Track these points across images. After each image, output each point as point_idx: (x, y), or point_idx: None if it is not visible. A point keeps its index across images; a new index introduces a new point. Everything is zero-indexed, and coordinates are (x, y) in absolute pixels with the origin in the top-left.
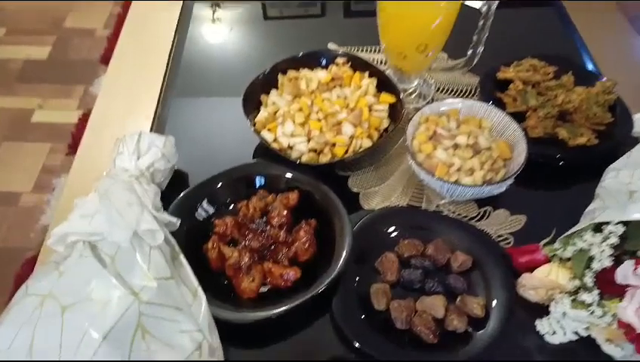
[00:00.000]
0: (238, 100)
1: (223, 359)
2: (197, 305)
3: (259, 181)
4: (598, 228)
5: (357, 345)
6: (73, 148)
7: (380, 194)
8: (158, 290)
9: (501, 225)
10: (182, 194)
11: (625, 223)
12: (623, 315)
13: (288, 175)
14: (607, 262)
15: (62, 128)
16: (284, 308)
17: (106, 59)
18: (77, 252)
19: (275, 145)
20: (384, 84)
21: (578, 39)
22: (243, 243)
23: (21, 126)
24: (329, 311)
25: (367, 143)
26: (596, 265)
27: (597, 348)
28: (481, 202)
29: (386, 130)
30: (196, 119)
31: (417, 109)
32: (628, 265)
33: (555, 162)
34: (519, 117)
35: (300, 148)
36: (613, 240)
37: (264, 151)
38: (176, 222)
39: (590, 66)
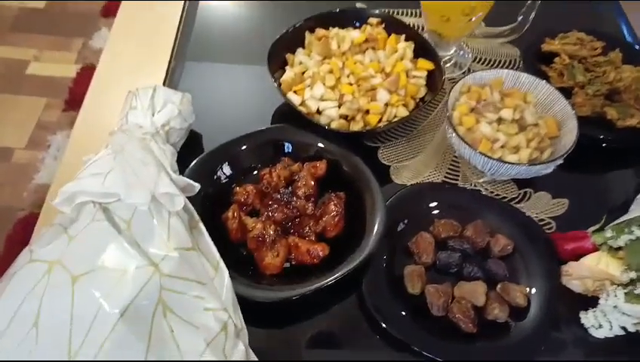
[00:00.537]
0: (257, 62)
1: (247, 341)
2: (219, 279)
3: (286, 147)
4: None
5: (389, 329)
6: (71, 104)
7: (412, 169)
8: (179, 262)
9: (542, 208)
10: (202, 156)
11: None
12: None
13: (318, 143)
14: None
15: (59, 82)
16: (311, 287)
17: (106, 12)
18: (88, 215)
19: (302, 109)
20: (422, 50)
21: (623, 17)
22: (266, 214)
23: (15, 78)
24: (357, 292)
25: (402, 112)
26: None
27: None
28: (520, 183)
29: (422, 99)
30: (211, 79)
31: (452, 80)
32: None
33: (602, 143)
34: (564, 93)
35: (330, 114)
36: None
37: (284, 116)
38: (195, 186)
39: (638, 46)
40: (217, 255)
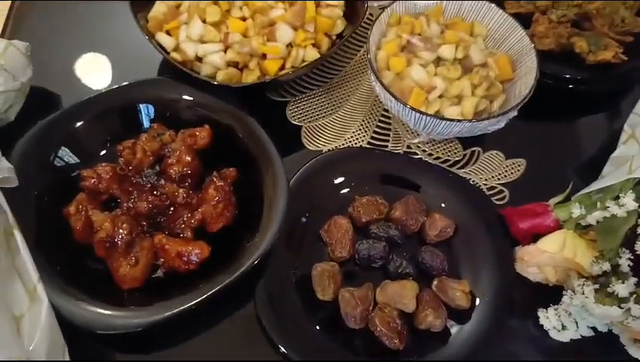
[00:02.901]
0: None
1: None
2: (34, 314)
3: (152, 111)
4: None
5: (289, 353)
6: None
7: (331, 130)
8: None
9: (493, 172)
10: (31, 132)
11: None
12: None
13: (194, 100)
14: None
15: None
16: (168, 313)
17: None
18: None
19: (176, 56)
20: None
21: None
22: (125, 206)
23: None
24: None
25: (312, 54)
26: None
27: (618, 347)
28: (467, 141)
29: (340, 35)
30: (67, 22)
31: (382, 9)
32: None
33: (570, 85)
34: (522, 21)
35: (214, 61)
36: None
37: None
38: (10, 175)
39: None
40: (35, 276)
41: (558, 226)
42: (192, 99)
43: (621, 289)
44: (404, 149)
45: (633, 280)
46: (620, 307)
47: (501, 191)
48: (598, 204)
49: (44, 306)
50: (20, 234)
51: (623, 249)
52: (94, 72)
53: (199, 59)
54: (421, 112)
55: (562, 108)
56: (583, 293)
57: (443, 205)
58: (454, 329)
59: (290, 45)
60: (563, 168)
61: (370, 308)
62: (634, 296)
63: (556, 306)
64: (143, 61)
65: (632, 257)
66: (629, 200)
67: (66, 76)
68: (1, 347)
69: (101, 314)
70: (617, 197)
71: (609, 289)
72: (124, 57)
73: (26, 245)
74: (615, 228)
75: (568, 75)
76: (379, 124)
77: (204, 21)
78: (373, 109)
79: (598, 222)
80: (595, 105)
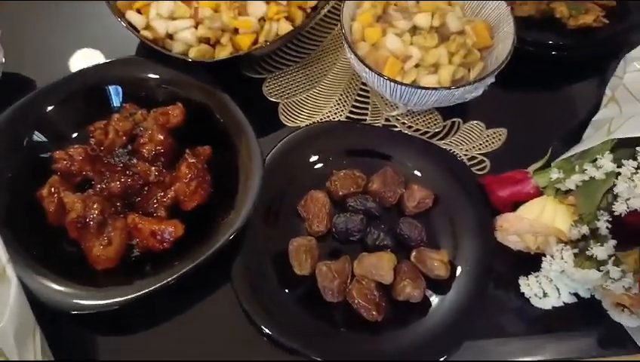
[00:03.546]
0: None
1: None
2: (3, 292)
3: (113, 92)
4: (618, 147)
5: (266, 330)
6: None
7: (309, 105)
8: None
9: (474, 143)
10: (1, 115)
11: None
12: None
13: (166, 78)
14: (638, 203)
15: None
16: (142, 291)
17: None
18: None
19: (147, 34)
20: None
21: None
22: (99, 187)
23: None
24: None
25: (286, 28)
26: (621, 207)
27: (601, 312)
28: (446, 112)
29: (314, 8)
30: (44, 6)
31: None
32: None
33: (550, 51)
34: None
35: (185, 38)
36: None
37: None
38: None
39: None
40: (4, 256)
41: (539, 193)
42: (164, 77)
43: (600, 251)
44: (383, 122)
45: (612, 242)
46: (598, 270)
47: (482, 161)
48: (577, 167)
49: (12, 286)
50: None
51: (601, 211)
52: (68, 55)
53: (170, 36)
54: (396, 82)
55: (544, 76)
56: (562, 258)
57: (422, 176)
58: (434, 300)
59: (262, 19)
60: (545, 136)
61: (348, 281)
62: (612, 258)
63: (537, 273)
64: (119, 42)
65: (610, 219)
66: (606, 162)
67: (40, 61)
68: None
69: (75, 294)
70: (595, 160)
71: (588, 253)
72: (97, 39)
73: None
74: (593, 191)
75: (549, 40)
76: (357, 98)
77: None
78: (351, 83)
79: (577, 186)
80: (577, 71)
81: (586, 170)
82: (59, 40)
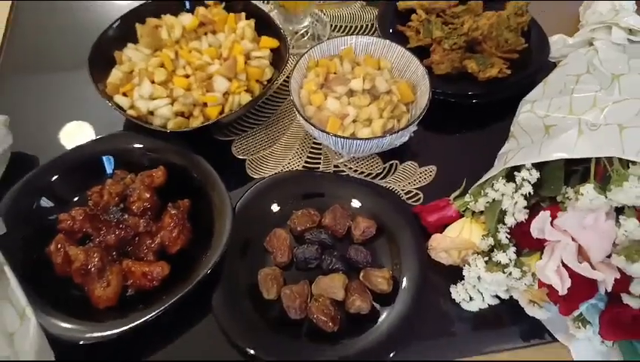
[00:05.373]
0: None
1: None
2: (24, 330)
3: (106, 162)
4: (511, 174)
5: (244, 347)
6: None
7: (271, 159)
8: None
9: (409, 179)
10: (12, 190)
11: (539, 165)
12: (542, 276)
13: (150, 147)
14: (522, 216)
15: None
16: (143, 318)
17: None
18: None
19: (132, 112)
20: (265, 26)
21: None
22: (97, 240)
23: None
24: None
25: (246, 98)
26: (509, 220)
27: (520, 310)
28: (386, 156)
29: (270, 80)
30: (38, 93)
31: (303, 55)
32: (543, 217)
33: (467, 100)
34: (425, 52)
35: (163, 113)
36: (527, 189)
37: (128, 125)
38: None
39: None
40: (24, 301)
41: (459, 216)
42: (147, 146)
43: (502, 257)
44: (333, 168)
45: (512, 249)
46: (503, 272)
47: (417, 194)
48: (482, 192)
49: (31, 323)
50: (9, 269)
51: (500, 225)
52: (66, 133)
53: (151, 113)
54: (337, 136)
55: (464, 120)
56: (477, 266)
57: (366, 210)
58: (381, 310)
59: (226, 93)
60: (466, 169)
61: (308, 300)
62: (513, 261)
63: (463, 281)
64: (107, 120)
65: (507, 230)
66: (500, 185)
67: (41, 140)
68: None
69: (82, 329)
70: (493, 185)
71: (494, 260)
72: (91, 117)
73: (15, 277)
74: (494, 210)
75: (466, 91)
76: (310, 150)
77: (152, 82)
78: (305, 139)
79: (485, 207)
80: (489, 116)
81: (487, 193)
82: (58, 119)
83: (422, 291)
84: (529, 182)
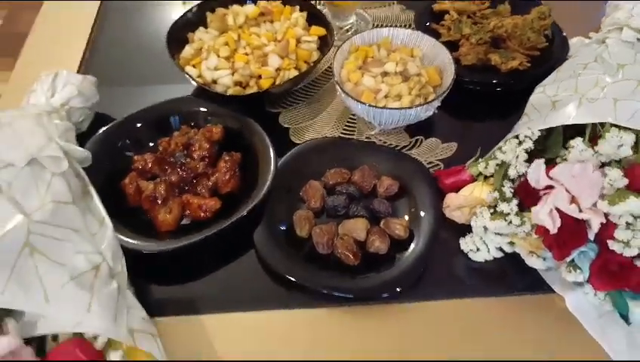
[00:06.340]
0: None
1: (126, 285)
2: (102, 232)
3: (174, 119)
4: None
5: (279, 270)
6: None
7: (312, 129)
8: (53, 212)
9: (432, 152)
10: (100, 132)
11: (546, 132)
12: (536, 218)
13: (210, 110)
14: (523, 168)
15: None
16: (195, 239)
17: None
18: None
19: (199, 80)
20: (315, 18)
21: None
22: (162, 179)
23: None
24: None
25: (294, 74)
26: (512, 172)
27: (522, 263)
28: (412, 131)
29: (315, 62)
30: (122, 67)
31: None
32: (537, 164)
33: (489, 88)
34: (454, 46)
35: (225, 82)
36: (528, 144)
37: (201, 92)
38: (87, 155)
39: None
40: (103, 212)
41: (473, 180)
42: (210, 110)
43: (505, 207)
44: (365, 139)
45: (515, 201)
46: (505, 220)
47: (437, 165)
48: (492, 156)
49: (109, 229)
50: (93, 189)
51: (505, 180)
52: (146, 95)
53: (214, 81)
54: (370, 105)
55: (485, 105)
56: (483, 216)
57: (390, 172)
58: (397, 253)
59: (278, 69)
60: (484, 147)
61: (334, 238)
62: (514, 211)
63: (471, 234)
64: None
65: (511, 186)
66: (507, 147)
67: (124, 102)
68: (86, 245)
69: (146, 243)
70: (501, 148)
71: (498, 209)
72: (167, 83)
73: (97, 194)
74: (501, 170)
75: (490, 80)
76: (346, 124)
77: (218, 56)
78: (342, 114)
79: (495, 169)
80: (508, 101)
81: (496, 156)
82: (139, 85)
83: (434, 239)
84: (530, 139)
